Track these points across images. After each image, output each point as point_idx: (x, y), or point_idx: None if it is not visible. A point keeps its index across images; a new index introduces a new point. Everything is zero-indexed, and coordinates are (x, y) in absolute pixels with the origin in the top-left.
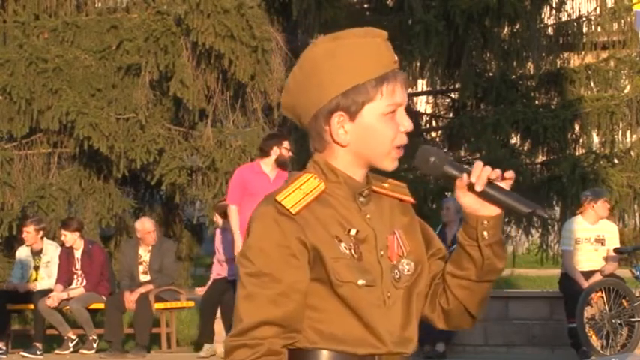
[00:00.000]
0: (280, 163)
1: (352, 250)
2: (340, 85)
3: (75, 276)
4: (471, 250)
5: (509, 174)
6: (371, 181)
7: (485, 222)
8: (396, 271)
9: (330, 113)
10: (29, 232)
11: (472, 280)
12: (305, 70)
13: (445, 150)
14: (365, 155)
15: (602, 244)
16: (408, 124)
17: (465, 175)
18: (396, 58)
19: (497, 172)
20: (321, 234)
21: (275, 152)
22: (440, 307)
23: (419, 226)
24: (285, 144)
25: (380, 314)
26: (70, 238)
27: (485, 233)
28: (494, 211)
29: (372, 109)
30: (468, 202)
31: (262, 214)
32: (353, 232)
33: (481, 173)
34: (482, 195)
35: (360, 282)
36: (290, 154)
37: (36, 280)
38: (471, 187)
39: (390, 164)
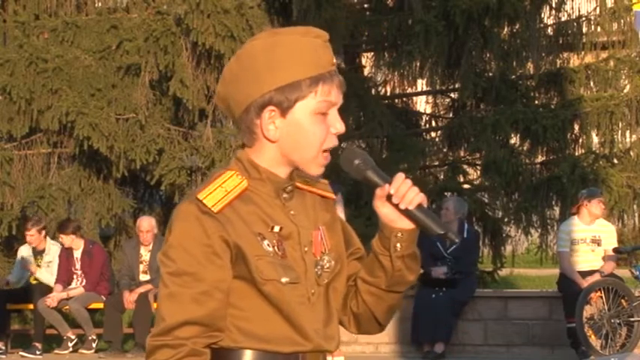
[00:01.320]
0: None
1: (276, 248)
2: (275, 80)
3: (74, 276)
4: (383, 259)
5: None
6: (294, 177)
7: (400, 234)
8: (319, 266)
9: (262, 107)
10: (33, 234)
11: (381, 289)
12: (242, 62)
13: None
14: (292, 155)
15: (599, 244)
16: (340, 126)
17: (386, 185)
18: (335, 60)
19: (421, 196)
20: (244, 232)
21: None
22: (350, 311)
23: (340, 223)
24: None
25: (305, 311)
26: (67, 240)
27: (398, 245)
28: (409, 224)
29: (304, 106)
30: (385, 212)
31: (184, 213)
32: (276, 229)
33: (407, 192)
34: (400, 208)
35: (284, 280)
36: None
37: (36, 280)
38: (389, 198)
39: (316, 169)
